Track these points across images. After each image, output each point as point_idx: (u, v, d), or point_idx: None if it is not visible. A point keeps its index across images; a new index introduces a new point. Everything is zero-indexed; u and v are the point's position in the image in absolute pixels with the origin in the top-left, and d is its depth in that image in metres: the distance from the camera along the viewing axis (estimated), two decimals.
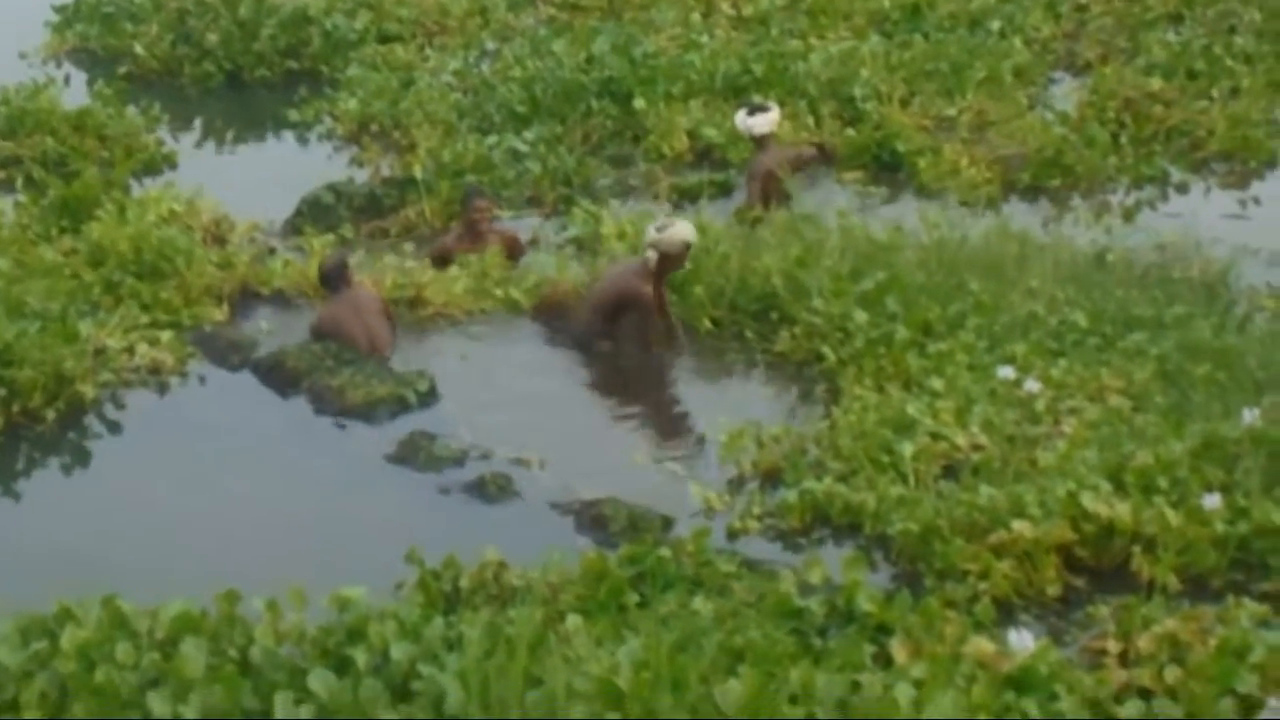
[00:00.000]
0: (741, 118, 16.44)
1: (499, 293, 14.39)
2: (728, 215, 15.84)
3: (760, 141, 16.31)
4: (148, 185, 16.67)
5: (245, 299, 14.60)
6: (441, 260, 14.96)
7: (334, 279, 13.84)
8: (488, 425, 12.62)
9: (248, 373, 13.50)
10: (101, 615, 8.45)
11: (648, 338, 13.87)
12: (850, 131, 17.70)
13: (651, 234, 13.79)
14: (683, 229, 13.84)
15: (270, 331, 13.90)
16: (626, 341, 13.87)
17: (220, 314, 14.23)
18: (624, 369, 13.85)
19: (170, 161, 17.85)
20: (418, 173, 16.41)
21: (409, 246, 15.31)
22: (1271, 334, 13.24)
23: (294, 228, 15.84)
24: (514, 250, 15.22)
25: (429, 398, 13.01)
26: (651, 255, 13.71)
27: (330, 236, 15.40)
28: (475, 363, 13.91)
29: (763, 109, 16.48)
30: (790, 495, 11.27)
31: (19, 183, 16.75)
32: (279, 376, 13.33)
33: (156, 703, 7.93)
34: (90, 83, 19.30)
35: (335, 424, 12.80)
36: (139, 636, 8.37)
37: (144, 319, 13.74)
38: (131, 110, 18.36)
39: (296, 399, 13.14)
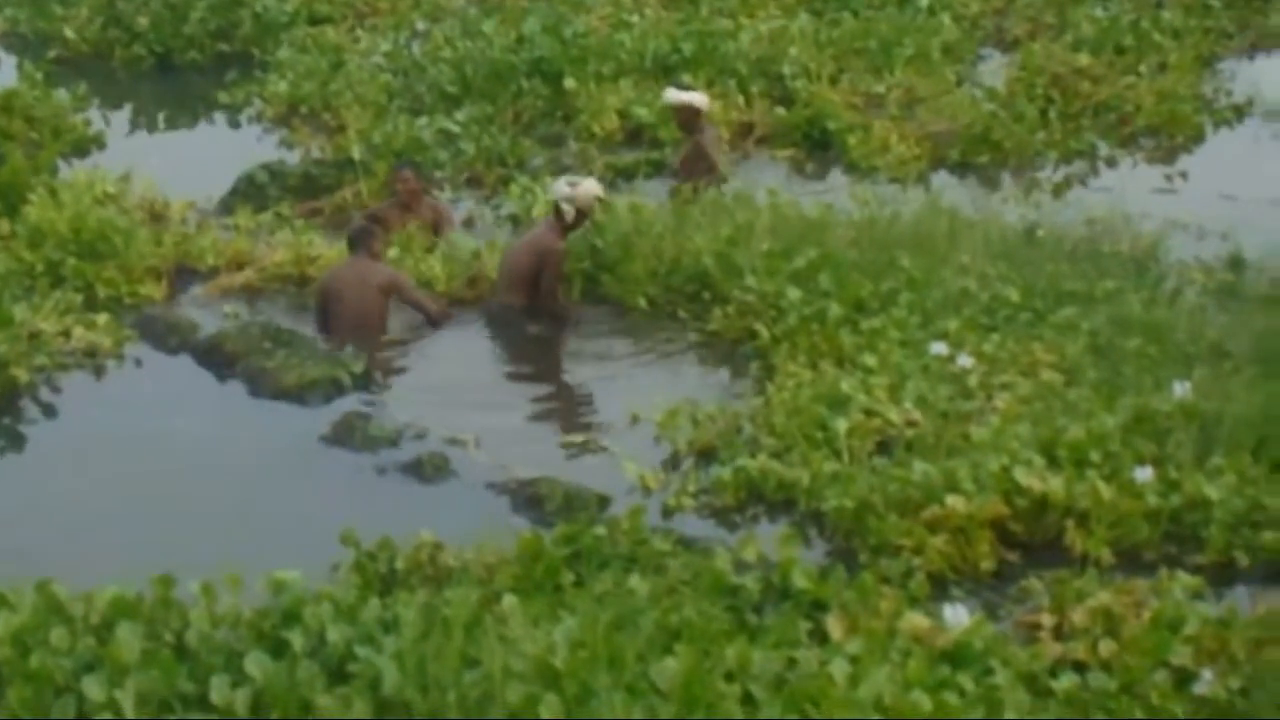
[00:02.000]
0: (683, 95, 16.29)
1: (421, 269, 14.34)
2: (666, 193, 15.70)
3: (698, 120, 16.18)
4: (76, 166, 16.56)
5: (181, 275, 14.59)
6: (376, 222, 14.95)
7: (353, 241, 13.95)
8: (422, 405, 12.60)
9: (186, 355, 13.42)
10: (36, 601, 8.41)
11: (557, 293, 13.91)
12: (780, 110, 17.69)
13: (564, 189, 13.95)
14: (593, 185, 14.11)
15: (234, 314, 13.82)
16: (542, 307, 13.94)
17: (159, 292, 14.21)
18: (558, 349, 13.84)
19: (99, 142, 17.82)
20: (355, 154, 16.33)
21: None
22: (1200, 307, 13.30)
23: (228, 207, 15.75)
24: (441, 224, 15.17)
25: (363, 379, 12.96)
26: (568, 209, 13.81)
27: (265, 215, 15.30)
28: (407, 343, 13.90)
29: (690, 86, 16.49)
30: (725, 473, 11.28)
31: None
32: (216, 358, 13.28)
33: (92, 687, 7.87)
34: (20, 66, 19.09)
35: (270, 406, 12.74)
36: (74, 621, 8.32)
37: (80, 301, 13.72)
38: (60, 92, 18.21)
39: (233, 381, 13.07)
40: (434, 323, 13.96)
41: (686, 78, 17.78)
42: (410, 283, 13.98)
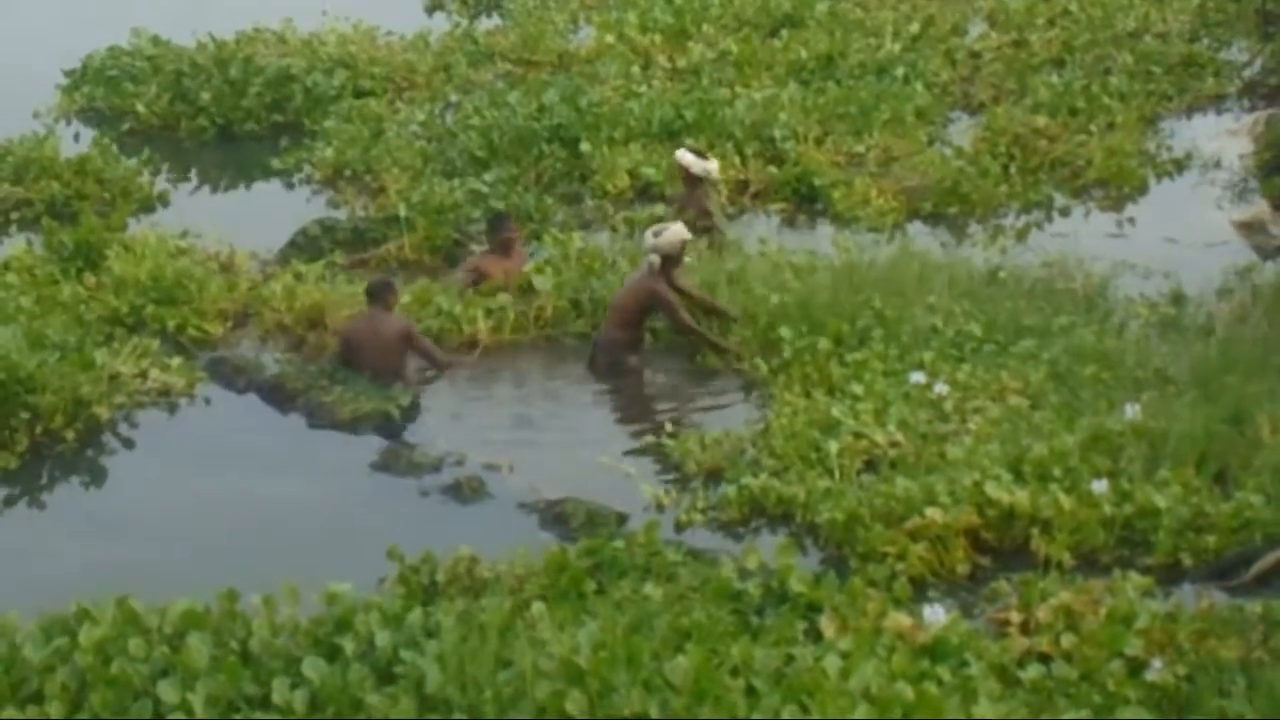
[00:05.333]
0: (692, 159, 16.10)
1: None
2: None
3: (703, 182, 16.03)
4: (144, 222, 16.59)
5: (248, 316, 14.64)
6: (476, 276, 14.82)
7: (374, 294, 13.69)
8: (465, 435, 12.60)
9: (252, 393, 13.39)
10: (115, 614, 8.40)
11: (684, 324, 13.71)
12: (772, 168, 17.67)
13: (649, 239, 13.81)
14: (678, 229, 13.88)
15: (286, 360, 13.79)
16: (642, 348, 13.89)
17: (223, 329, 14.29)
18: (588, 383, 13.80)
19: (163, 200, 17.82)
20: (401, 211, 16.30)
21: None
22: (1145, 337, 13.28)
23: (285, 257, 15.73)
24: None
25: (411, 412, 12.94)
26: (655, 259, 13.69)
27: (319, 264, 15.27)
28: (460, 386, 13.83)
29: (704, 154, 16.32)
30: (730, 490, 11.27)
31: (13, 229, 16.94)
32: (279, 395, 13.25)
33: (166, 691, 7.89)
34: (97, 139, 19.09)
35: (326, 436, 12.73)
36: (149, 632, 8.32)
37: (157, 345, 13.69)
38: (131, 161, 18.23)
39: (294, 415, 13.06)
40: (440, 369, 13.79)
41: (689, 140, 17.74)
42: (419, 332, 13.80)
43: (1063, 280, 14.39)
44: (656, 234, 13.80)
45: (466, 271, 15.04)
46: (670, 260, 13.74)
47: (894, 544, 10.24)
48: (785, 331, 13.14)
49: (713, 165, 16.09)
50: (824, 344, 12.90)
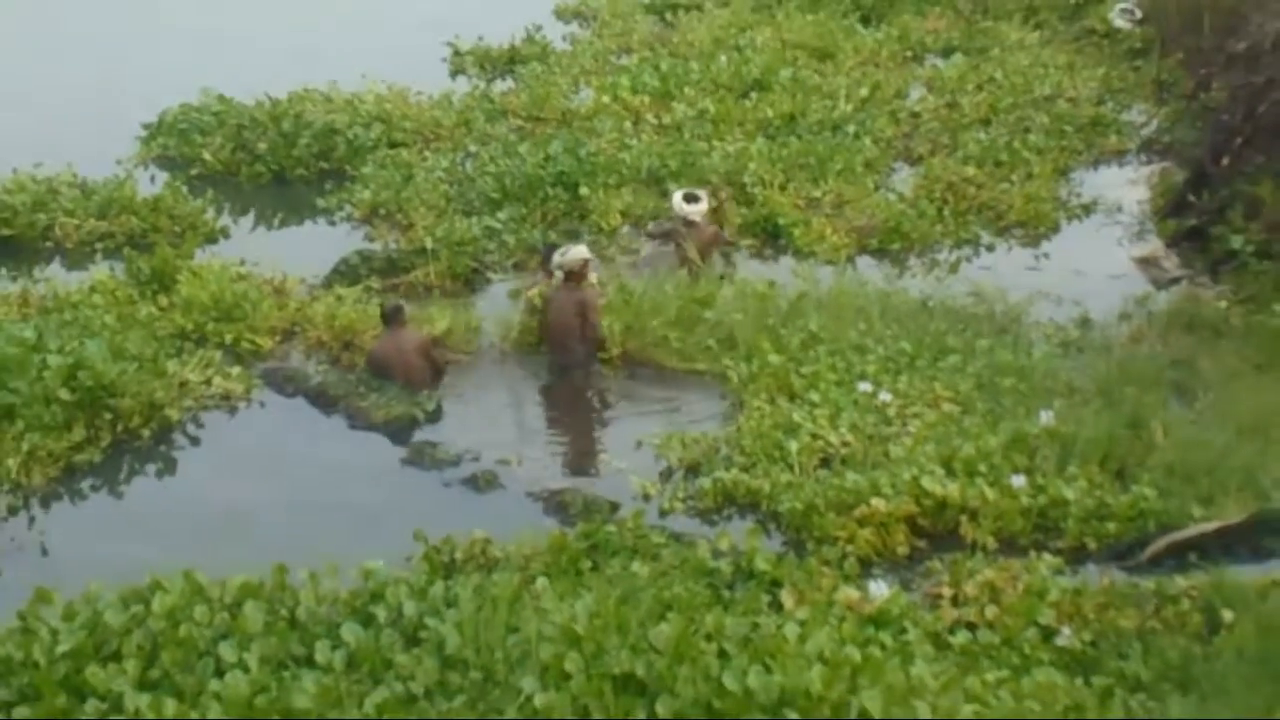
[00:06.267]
0: (679, 202, 16.18)
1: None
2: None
3: (690, 223, 16.09)
4: (209, 252, 16.60)
5: (294, 332, 14.59)
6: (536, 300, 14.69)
7: (388, 318, 13.64)
8: (481, 436, 12.56)
9: (300, 398, 13.38)
10: (183, 585, 8.43)
11: (600, 331, 13.74)
12: (743, 210, 17.67)
13: (556, 258, 13.89)
14: (580, 249, 13.97)
15: (328, 370, 13.77)
16: (592, 341, 13.82)
17: (272, 343, 14.27)
18: (582, 391, 13.77)
19: (225, 234, 17.83)
20: (427, 243, 16.29)
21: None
22: (1050, 355, 13.24)
23: (329, 282, 15.73)
24: None
25: (435, 415, 12.93)
26: (559, 275, 13.78)
27: (358, 289, 15.27)
28: (476, 392, 13.78)
29: (696, 198, 16.31)
30: (706, 483, 11.27)
31: (99, 257, 16.87)
32: (323, 400, 13.24)
33: (226, 651, 7.91)
34: (169, 182, 19.08)
35: (363, 435, 12.72)
36: (212, 601, 8.35)
37: (219, 357, 13.68)
38: (196, 199, 18.24)
39: (335, 417, 13.04)
40: (440, 375, 13.75)
41: (672, 184, 17.67)
42: (431, 345, 13.75)
43: (984, 306, 14.39)
44: (562, 254, 13.92)
45: (528, 299, 14.87)
46: (575, 275, 13.81)
47: (844, 529, 10.25)
48: (728, 362, 13.13)
49: (692, 209, 16.09)
50: (775, 359, 12.88)
